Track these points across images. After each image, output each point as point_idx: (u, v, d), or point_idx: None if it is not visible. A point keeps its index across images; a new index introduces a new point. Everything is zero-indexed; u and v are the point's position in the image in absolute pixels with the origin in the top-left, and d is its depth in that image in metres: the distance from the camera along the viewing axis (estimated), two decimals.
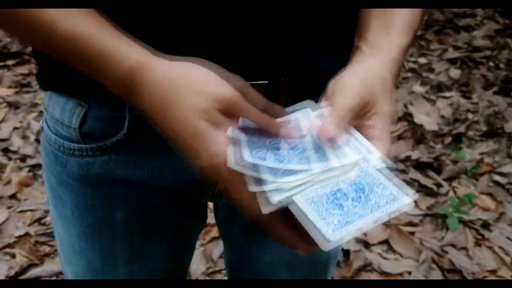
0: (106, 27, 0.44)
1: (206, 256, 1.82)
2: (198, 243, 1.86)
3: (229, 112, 0.45)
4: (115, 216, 0.62)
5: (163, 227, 0.66)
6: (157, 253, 0.67)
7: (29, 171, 2.15)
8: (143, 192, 0.61)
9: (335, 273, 1.74)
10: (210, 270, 1.77)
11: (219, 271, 1.75)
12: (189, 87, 0.44)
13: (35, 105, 2.54)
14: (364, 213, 0.42)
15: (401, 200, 0.44)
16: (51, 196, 0.66)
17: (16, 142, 2.28)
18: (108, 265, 0.65)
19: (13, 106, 2.52)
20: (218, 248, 1.80)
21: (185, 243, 0.72)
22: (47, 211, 1.93)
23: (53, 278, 1.71)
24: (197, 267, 1.78)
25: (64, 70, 0.50)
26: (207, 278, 1.75)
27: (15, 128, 2.37)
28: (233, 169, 0.43)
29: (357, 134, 0.49)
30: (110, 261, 0.65)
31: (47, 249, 1.81)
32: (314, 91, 0.60)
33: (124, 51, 0.44)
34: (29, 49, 2.90)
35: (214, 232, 1.86)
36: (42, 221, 1.92)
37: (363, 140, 0.48)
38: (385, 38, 0.53)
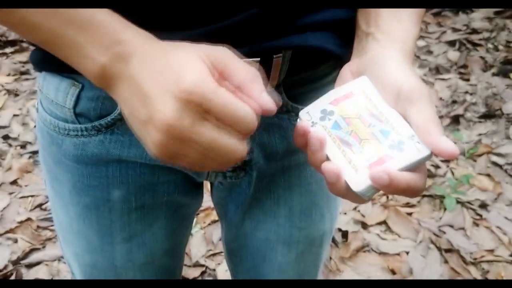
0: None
1: (207, 239, 1.84)
2: (198, 226, 1.88)
3: (218, 69, 0.44)
4: (111, 196, 0.63)
5: (160, 205, 0.67)
6: (154, 231, 0.68)
7: (30, 157, 2.17)
8: (139, 171, 0.62)
9: (333, 254, 1.76)
10: (211, 252, 1.79)
11: (219, 253, 1.77)
12: (178, 48, 0.44)
13: (34, 92, 2.55)
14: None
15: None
16: (48, 177, 0.67)
17: (16, 129, 2.30)
18: (106, 243, 0.67)
19: (13, 93, 2.53)
20: (218, 231, 1.82)
21: (182, 222, 0.73)
22: (48, 197, 1.95)
23: (55, 262, 1.73)
24: (198, 250, 1.80)
25: None
26: (207, 260, 1.77)
27: (15, 115, 2.38)
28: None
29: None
30: (108, 239, 0.66)
31: (48, 233, 1.83)
32: (306, 68, 0.60)
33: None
34: None
35: (214, 215, 1.88)
36: (43, 206, 1.94)
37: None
38: (398, 26, 0.53)
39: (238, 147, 0.43)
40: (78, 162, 0.60)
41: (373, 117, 0.49)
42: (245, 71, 0.44)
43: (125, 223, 0.65)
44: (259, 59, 0.54)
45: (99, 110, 0.56)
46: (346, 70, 0.54)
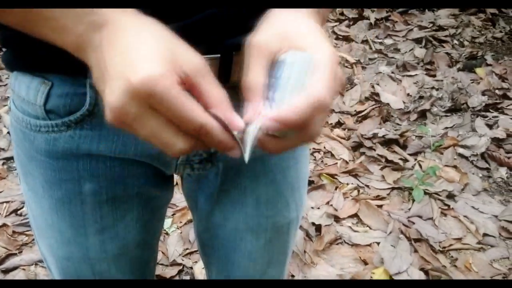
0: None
1: (183, 238, 1.87)
2: (174, 226, 1.90)
3: (187, 79, 0.45)
4: (83, 189, 0.65)
5: (131, 198, 0.69)
6: (127, 223, 0.71)
7: (3, 164, 2.16)
8: (109, 165, 0.64)
9: (307, 247, 1.80)
10: (187, 251, 1.82)
11: (196, 252, 1.80)
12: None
13: (6, 99, 2.53)
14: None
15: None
16: (22, 172, 0.70)
17: None
18: (79, 235, 0.69)
19: None
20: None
21: (154, 214, 0.76)
22: (23, 202, 1.95)
23: (32, 266, 1.74)
24: (175, 249, 1.83)
25: (28, 50, 0.53)
26: (184, 259, 1.79)
27: None
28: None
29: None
30: (81, 231, 0.69)
31: (24, 238, 1.83)
32: None
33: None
34: None
35: (190, 215, 1.90)
36: (19, 212, 1.94)
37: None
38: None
39: (177, 143, 0.45)
40: (50, 157, 0.63)
41: None
42: (218, 92, 0.46)
43: (97, 215, 0.68)
44: (219, 55, 0.57)
45: (68, 106, 0.59)
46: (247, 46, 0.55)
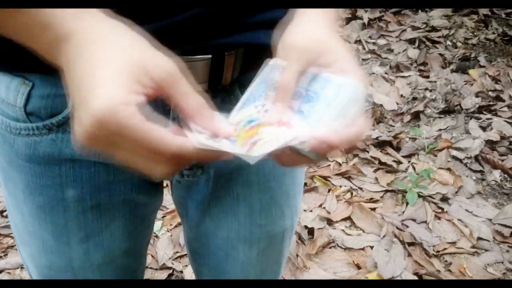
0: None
1: (173, 241, 1.83)
2: (164, 229, 1.87)
3: (159, 85, 0.42)
4: (65, 195, 0.62)
5: (116, 205, 0.66)
6: (112, 231, 0.68)
7: None
8: (93, 170, 0.61)
9: (300, 251, 1.77)
10: (178, 254, 1.78)
11: (186, 255, 1.77)
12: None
13: None
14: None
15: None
16: (2, 177, 0.66)
17: None
18: (62, 243, 0.66)
19: None
20: None
21: (141, 221, 0.73)
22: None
23: (17, 270, 1.69)
24: (164, 252, 1.79)
25: (7, 48, 0.50)
26: (174, 262, 1.76)
27: None
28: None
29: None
30: (64, 239, 0.65)
31: (10, 241, 1.79)
32: (260, 65, 0.61)
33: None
34: None
35: None
36: (4, 213, 1.89)
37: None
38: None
39: (157, 169, 0.42)
40: (31, 161, 0.60)
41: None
42: (194, 100, 0.43)
43: (81, 222, 0.65)
44: (210, 56, 0.54)
45: (49, 108, 0.56)
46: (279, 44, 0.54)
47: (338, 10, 0.56)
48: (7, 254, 1.75)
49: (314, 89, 0.49)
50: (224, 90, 0.60)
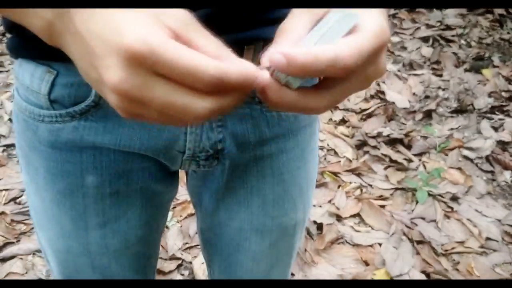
0: None
1: (183, 232, 1.85)
2: (174, 220, 1.88)
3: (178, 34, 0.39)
4: (85, 182, 0.63)
5: (134, 192, 0.67)
6: (129, 218, 0.69)
7: (3, 151, 2.14)
8: (113, 158, 0.62)
9: (308, 246, 1.78)
10: (187, 245, 1.80)
11: (195, 246, 1.78)
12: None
13: (8, 85, 2.51)
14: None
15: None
16: (23, 162, 0.68)
17: None
18: (80, 228, 0.67)
19: None
20: (194, 224, 1.83)
21: (157, 210, 0.74)
22: (22, 190, 1.93)
23: (30, 256, 1.72)
24: (174, 243, 1.81)
25: (32, 37, 0.51)
26: (184, 253, 1.78)
27: None
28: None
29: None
30: (82, 225, 0.67)
31: (23, 227, 1.81)
32: None
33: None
34: (0, 28, 2.86)
35: (191, 208, 1.89)
36: (18, 200, 1.92)
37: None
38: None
39: (196, 105, 0.39)
40: (53, 148, 0.61)
41: None
42: (213, 44, 0.40)
43: (99, 208, 0.66)
44: (229, 50, 0.55)
45: (73, 96, 0.57)
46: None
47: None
48: (19, 240, 1.78)
49: (312, 28, 0.44)
50: None
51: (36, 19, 0.42)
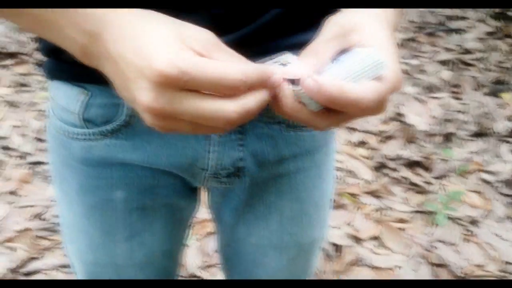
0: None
1: (202, 251, 1.87)
2: (194, 238, 1.91)
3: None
4: (114, 196, 0.67)
5: (159, 207, 0.70)
6: (153, 232, 0.72)
7: (29, 168, 2.19)
8: (141, 174, 0.66)
9: (327, 267, 1.79)
10: (206, 263, 1.82)
11: (214, 265, 1.80)
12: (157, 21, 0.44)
13: (33, 104, 2.58)
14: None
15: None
16: (56, 178, 0.71)
17: (16, 140, 2.33)
18: (108, 241, 0.71)
19: (12, 105, 2.56)
20: (213, 243, 1.85)
21: (179, 225, 0.77)
22: (46, 207, 1.98)
23: (53, 271, 1.76)
24: (193, 261, 1.83)
25: (68, 61, 0.55)
26: (202, 271, 1.80)
27: (15, 127, 2.41)
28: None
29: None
30: (111, 237, 0.70)
31: (47, 243, 1.85)
32: None
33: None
34: (27, 49, 2.95)
35: (210, 227, 1.91)
36: (42, 216, 1.96)
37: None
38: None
39: (225, 109, 0.42)
40: (85, 164, 0.65)
41: None
42: (236, 57, 0.44)
43: (127, 222, 0.69)
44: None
45: (105, 116, 0.61)
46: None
47: (395, 14, 0.54)
48: (43, 256, 1.81)
49: (338, 58, 0.47)
50: None
51: (73, 44, 0.46)
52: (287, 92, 0.45)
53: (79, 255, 0.75)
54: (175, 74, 0.40)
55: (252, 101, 0.43)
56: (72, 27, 0.45)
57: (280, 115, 0.48)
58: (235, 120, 0.43)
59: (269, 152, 0.68)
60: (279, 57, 0.49)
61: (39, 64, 2.88)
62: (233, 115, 0.42)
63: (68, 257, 0.79)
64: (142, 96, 0.41)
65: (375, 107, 0.45)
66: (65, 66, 0.60)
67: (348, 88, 0.43)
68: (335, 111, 0.46)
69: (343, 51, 0.48)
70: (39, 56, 2.91)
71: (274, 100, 0.46)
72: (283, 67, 0.47)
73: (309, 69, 0.46)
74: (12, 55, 2.96)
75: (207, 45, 0.43)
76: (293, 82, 0.46)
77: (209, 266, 1.81)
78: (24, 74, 2.82)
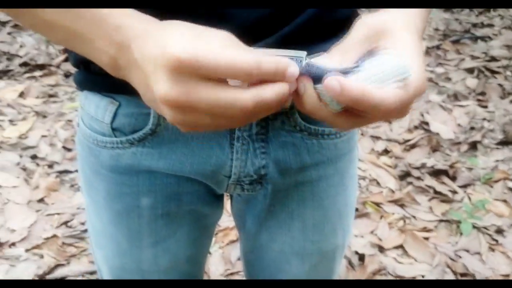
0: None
1: (225, 258, 1.88)
2: (217, 246, 1.92)
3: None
4: (141, 203, 0.69)
5: (184, 214, 0.72)
6: (178, 238, 0.74)
7: (56, 176, 2.24)
8: (166, 181, 0.68)
9: (350, 276, 1.78)
10: (228, 271, 1.83)
11: (237, 273, 1.81)
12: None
13: (61, 114, 2.64)
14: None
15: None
16: (85, 185, 0.74)
17: (44, 149, 2.38)
18: (134, 247, 0.72)
19: (41, 115, 2.62)
20: (236, 251, 1.86)
21: (203, 231, 0.79)
22: (73, 214, 2.02)
23: (80, 278, 1.79)
24: (216, 269, 1.84)
25: (97, 72, 0.57)
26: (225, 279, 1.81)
27: (43, 136, 2.47)
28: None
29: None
30: (137, 243, 0.72)
31: (73, 250, 1.89)
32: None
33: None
34: (55, 61, 3.03)
35: (232, 235, 1.92)
36: (69, 224, 2.00)
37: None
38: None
39: (240, 97, 0.42)
40: (113, 171, 0.67)
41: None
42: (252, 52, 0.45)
43: (152, 229, 0.71)
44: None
45: (133, 125, 0.63)
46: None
47: (422, 19, 0.55)
48: (69, 262, 1.85)
49: (364, 63, 0.48)
50: (284, 113, 0.65)
51: (102, 55, 0.48)
52: (310, 91, 0.46)
53: (106, 261, 0.77)
54: (188, 58, 0.40)
55: (268, 91, 0.43)
56: (103, 40, 0.47)
57: (301, 111, 0.49)
58: (251, 109, 0.43)
59: (291, 160, 0.69)
60: (296, 52, 0.49)
61: (67, 76, 2.94)
62: (249, 103, 0.42)
63: (96, 262, 0.81)
64: (159, 88, 0.42)
65: (397, 111, 0.46)
66: (94, 77, 0.62)
67: (370, 91, 0.43)
68: (356, 113, 0.47)
69: (370, 53, 0.49)
70: (67, 67, 2.98)
71: (295, 96, 0.47)
72: (311, 61, 0.48)
73: (335, 66, 0.47)
74: (41, 66, 3.03)
75: (225, 41, 0.44)
76: (316, 80, 0.46)
77: (232, 274, 1.82)
78: (53, 85, 2.88)
